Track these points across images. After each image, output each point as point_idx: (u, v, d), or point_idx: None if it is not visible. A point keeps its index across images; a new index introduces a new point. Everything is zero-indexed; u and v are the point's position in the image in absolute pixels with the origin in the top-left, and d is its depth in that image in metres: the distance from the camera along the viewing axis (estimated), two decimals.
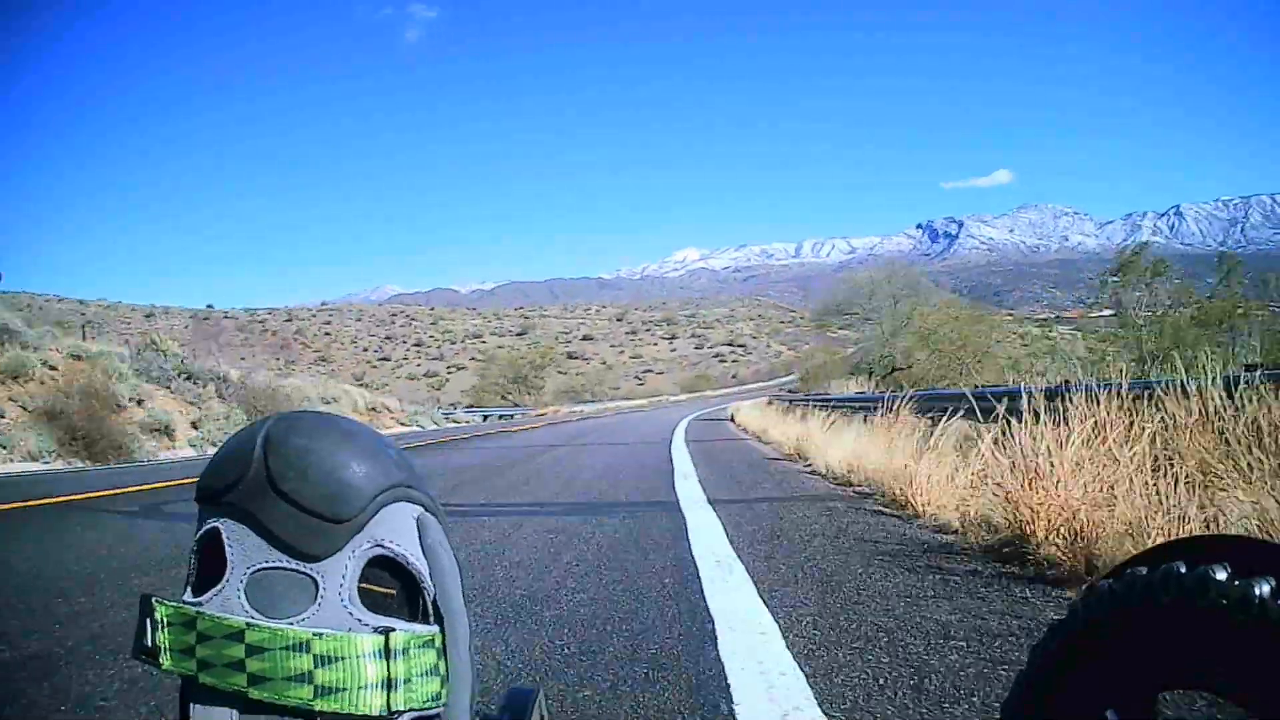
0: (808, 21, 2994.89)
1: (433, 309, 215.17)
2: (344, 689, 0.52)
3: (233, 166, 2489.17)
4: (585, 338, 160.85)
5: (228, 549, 0.54)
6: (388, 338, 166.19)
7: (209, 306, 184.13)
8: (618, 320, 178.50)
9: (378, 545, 0.56)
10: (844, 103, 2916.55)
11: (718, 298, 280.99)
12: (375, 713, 0.53)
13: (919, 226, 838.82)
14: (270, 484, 0.54)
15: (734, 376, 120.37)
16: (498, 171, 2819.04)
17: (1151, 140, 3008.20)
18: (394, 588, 0.58)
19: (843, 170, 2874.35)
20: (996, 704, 1.94)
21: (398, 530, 0.57)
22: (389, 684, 0.53)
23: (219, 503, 0.56)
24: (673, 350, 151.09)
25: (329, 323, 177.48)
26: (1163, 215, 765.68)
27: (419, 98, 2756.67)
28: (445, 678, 0.58)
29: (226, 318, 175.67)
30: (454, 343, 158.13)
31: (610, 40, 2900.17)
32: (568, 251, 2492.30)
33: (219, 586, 0.54)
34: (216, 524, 0.56)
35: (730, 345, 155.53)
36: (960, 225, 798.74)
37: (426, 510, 0.60)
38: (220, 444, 0.58)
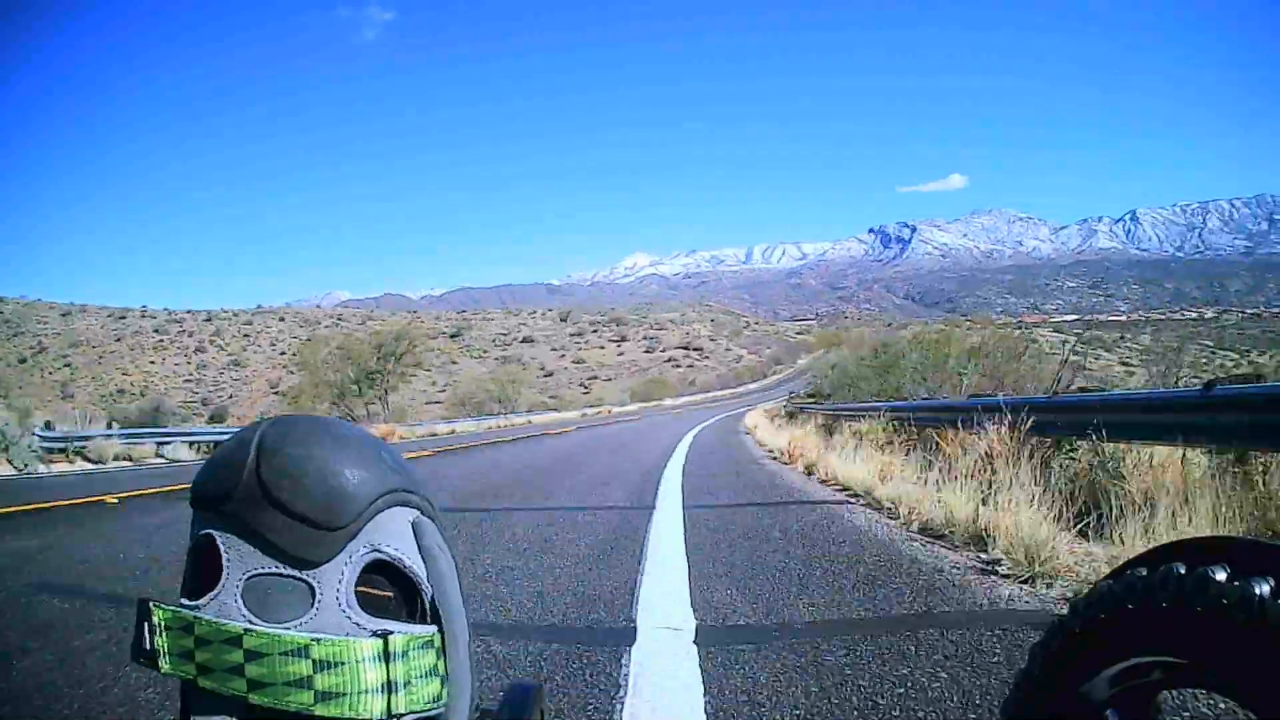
0: (758, 23, 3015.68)
1: (371, 312, 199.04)
2: (344, 693, 0.52)
3: (183, 169, 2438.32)
4: (525, 340, 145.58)
5: (223, 555, 0.54)
6: (309, 340, 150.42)
7: (143, 307, 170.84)
8: (562, 321, 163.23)
9: (374, 550, 0.56)
10: (796, 107, 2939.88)
11: (668, 303, 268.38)
12: (376, 716, 0.53)
13: (871, 231, 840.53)
14: (264, 493, 0.53)
15: (692, 383, 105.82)
16: (451, 178, 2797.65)
17: (1108, 145, 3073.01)
18: (392, 590, 0.58)
19: (794, 175, 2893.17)
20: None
21: (394, 534, 0.57)
22: (389, 687, 0.53)
23: (213, 509, 0.56)
24: (621, 354, 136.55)
25: (249, 324, 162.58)
26: (1118, 221, 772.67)
27: (371, 103, 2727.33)
28: (445, 678, 0.58)
29: (145, 317, 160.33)
30: (380, 346, 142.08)
31: (560, 47, 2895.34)
32: (519, 258, 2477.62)
33: (215, 591, 0.54)
34: (211, 530, 0.55)
35: (685, 349, 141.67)
36: (913, 230, 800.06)
37: (423, 514, 0.60)
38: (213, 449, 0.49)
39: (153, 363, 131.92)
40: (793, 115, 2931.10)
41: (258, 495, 0.54)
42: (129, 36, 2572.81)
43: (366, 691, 0.52)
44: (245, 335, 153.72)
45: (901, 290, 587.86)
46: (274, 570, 0.54)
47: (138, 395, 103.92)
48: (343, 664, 0.52)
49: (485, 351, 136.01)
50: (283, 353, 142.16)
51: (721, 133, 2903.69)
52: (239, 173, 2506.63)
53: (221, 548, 0.54)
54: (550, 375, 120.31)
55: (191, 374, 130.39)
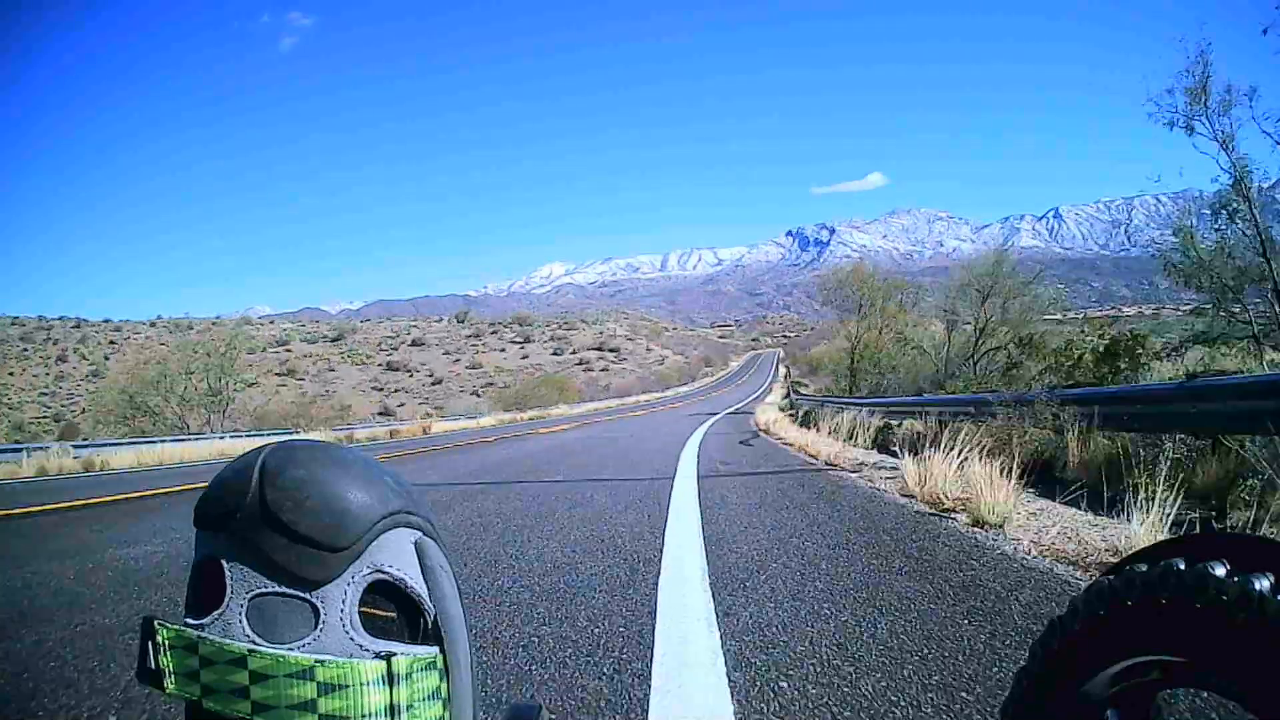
0: (667, 24, 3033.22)
1: (270, 320, 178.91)
2: (347, 716, 0.51)
3: (103, 179, 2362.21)
4: (414, 343, 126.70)
5: (227, 575, 0.54)
6: (177, 347, 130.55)
7: (15, 316, 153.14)
8: (458, 323, 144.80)
9: (377, 571, 0.56)
10: (708, 109, 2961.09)
11: (584, 312, 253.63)
12: None
13: (789, 234, 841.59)
14: (267, 516, 0.53)
15: (606, 387, 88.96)
16: (371, 195, 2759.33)
17: (1029, 143, 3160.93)
18: (394, 611, 0.57)
19: (709, 180, 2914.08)
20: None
21: (397, 555, 0.57)
22: (392, 710, 0.53)
23: (217, 530, 0.56)
24: (524, 357, 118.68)
25: (118, 330, 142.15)
26: (1041, 218, 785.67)
27: (294, 122, 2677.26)
28: (447, 699, 0.58)
29: (13, 324, 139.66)
30: (253, 352, 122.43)
31: (471, 61, 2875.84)
32: (438, 272, 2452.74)
33: (219, 611, 0.53)
34: (214, 551, 0.55)
35: (599, 350, 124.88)
36: (832, 232, 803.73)
37: (425, 534, 0.60)
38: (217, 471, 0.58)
39: (11, 373, 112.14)
40: (705, 117, 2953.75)
41: (261, 517, 0.54)
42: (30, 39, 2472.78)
43: (370, 714, 0.52)
44: (111, 343, 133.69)
45: (820, 293, 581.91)
46: (277, 590, 0.54)
47: None
48: (347, 687, 0.52)
49: (369, 356, 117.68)
50: (146, 362, 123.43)
51: (634, 138, 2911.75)
52: (179, 186, 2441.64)
53: (225, 568, 0.54)
54: (439, 382, 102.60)
55: (49, 386, 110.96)
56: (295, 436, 24.94)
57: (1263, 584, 0.58)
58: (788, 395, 47.82)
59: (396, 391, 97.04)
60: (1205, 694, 1.51)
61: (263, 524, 0.54)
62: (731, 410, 34.12)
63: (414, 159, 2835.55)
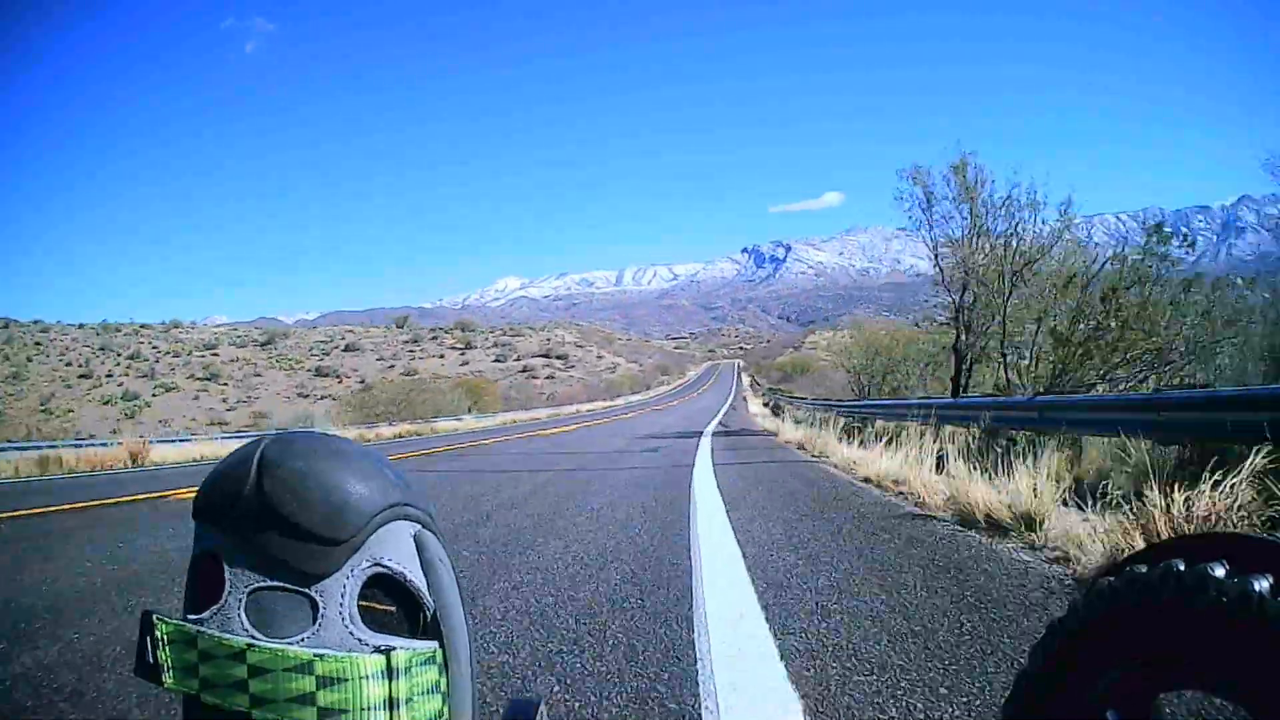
0: (624, 36, 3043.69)
1: (219, 327, 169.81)
2: (346, 710, 0.51)
3: (62, 181, 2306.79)
4: (349, 348, 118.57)
5: (225, 568, 0.54)
6: (102, 348, 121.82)
7: None
8: (398, 328, 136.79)
9: (376, 564, 0.55)
10: (663, 125, 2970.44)
11: (537, 323, 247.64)
12: None
13: (745, 251, 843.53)
14: (266, 508, 0.53)
15: (549, 397, 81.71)
16: (330, 206, 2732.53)
17: (990, 160, 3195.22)
18: (393, 605, 0.57)
19: (666, 195, 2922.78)
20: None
21: (396, 548, 0.56)
22: (391, 704, 0.53)
23: (215, 523, 0.55)
24: (464, 364, 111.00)
25: (46, 331, 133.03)
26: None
27: (255, 130, 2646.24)
28: (446, 694, 0.57)
29: None
30: (178, 355, 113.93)
31: (428, 73, 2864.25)
32: (396, 284, 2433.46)
33: (218, 605, 0.53)
34: (213, 544, 0.55)
35: (545, 357, 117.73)
36: (788, 249, 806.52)
37: (424, 527, 0.59)
38: (217, 462, 0.58)
39: None
40: (660, 135, 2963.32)
41: (260, 509, 0.53)
42: None
43: (369, 708, 0.52)
44: (37, 344, 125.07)
45: (775, 310, 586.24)
46: (276, 584, 0.53)
47: None
48: (346, 680, 0.51)
49: (300, 362, 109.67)
50: (69, 364, 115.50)
51: (589, 156, 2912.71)
52: (144, 194, 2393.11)
53: (224, 560, 0.54)
54: (370, 389, 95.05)
55: None
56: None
57: (1262, 585, 0.57)
58: (768, 404, 42.66)
59: (323, 399, 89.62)
60: (1205, 695, 1.52)
61: (261, 517, 0.53)
62: (717, 429, 20.75)
63: (369, 175, 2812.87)
